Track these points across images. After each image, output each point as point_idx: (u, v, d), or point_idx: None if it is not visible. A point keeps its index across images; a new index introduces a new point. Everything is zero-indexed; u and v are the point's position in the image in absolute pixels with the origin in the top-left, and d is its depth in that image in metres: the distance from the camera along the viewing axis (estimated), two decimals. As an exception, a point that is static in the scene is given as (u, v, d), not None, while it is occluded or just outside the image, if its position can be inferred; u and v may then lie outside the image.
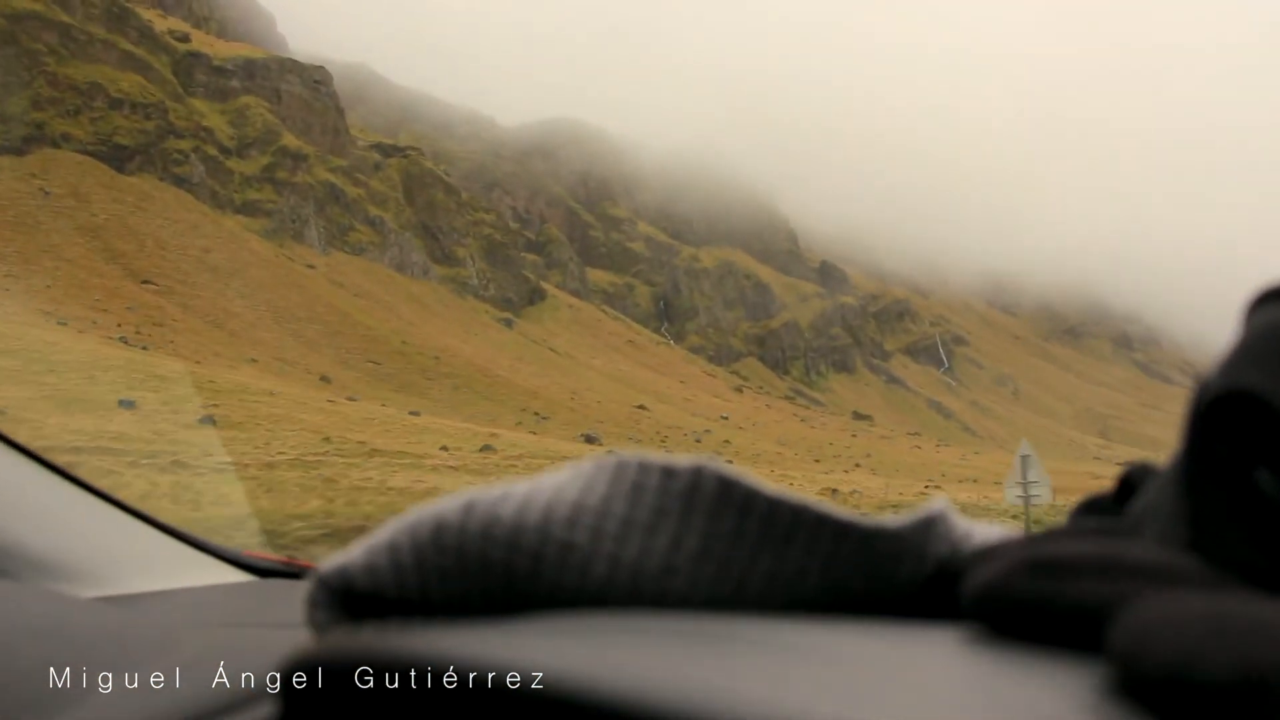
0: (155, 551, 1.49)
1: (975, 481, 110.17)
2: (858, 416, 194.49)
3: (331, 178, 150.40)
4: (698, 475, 0.69)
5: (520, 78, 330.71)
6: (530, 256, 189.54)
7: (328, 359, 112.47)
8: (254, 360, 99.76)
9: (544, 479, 0.71)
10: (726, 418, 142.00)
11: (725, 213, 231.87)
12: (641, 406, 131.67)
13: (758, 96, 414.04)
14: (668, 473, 0.69)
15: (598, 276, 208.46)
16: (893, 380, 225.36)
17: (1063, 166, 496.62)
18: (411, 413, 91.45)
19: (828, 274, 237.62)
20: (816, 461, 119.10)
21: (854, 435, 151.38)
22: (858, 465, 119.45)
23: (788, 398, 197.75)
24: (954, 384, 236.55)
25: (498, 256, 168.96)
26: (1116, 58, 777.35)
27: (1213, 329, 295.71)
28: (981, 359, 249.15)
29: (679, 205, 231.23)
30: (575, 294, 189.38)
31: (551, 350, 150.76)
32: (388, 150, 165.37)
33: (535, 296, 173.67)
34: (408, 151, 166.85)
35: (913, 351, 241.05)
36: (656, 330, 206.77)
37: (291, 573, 1.68)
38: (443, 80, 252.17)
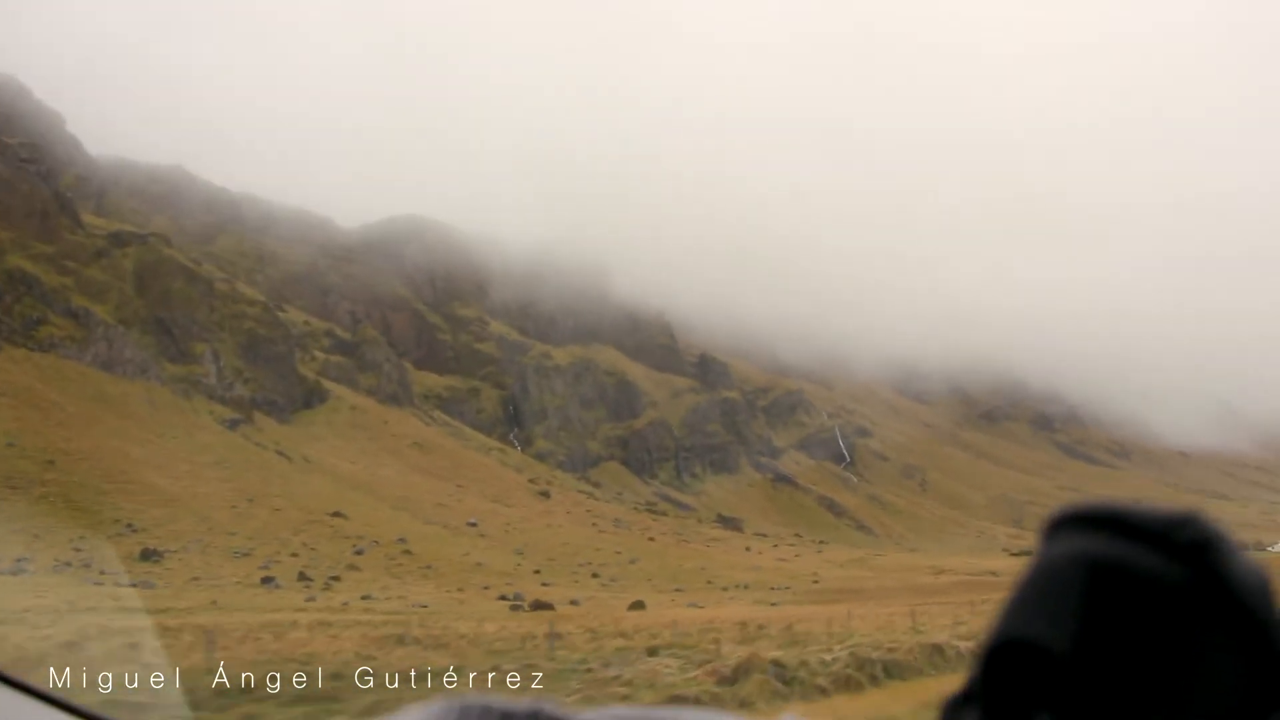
0: None
1: (746, 587, 77.05)
2: (722, 520, 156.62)
3: (25, 264, 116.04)
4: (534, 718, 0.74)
5: (362, 179, 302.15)
6: (334, 358, 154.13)
7: None
8: None
9: None
10: (474, 524, 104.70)
11: (592, 309, 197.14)
12: (337, 514, 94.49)
13: (627, 184, 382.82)
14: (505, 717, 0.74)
15: (435, 381, 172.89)
16: (781, 478, 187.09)
17: (972, 241, 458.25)
18: None
19: (707, 368, 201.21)
20: (536, 573, 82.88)
21: (651, 539, 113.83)
22: (595, 575, 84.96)
23: (648, 504, 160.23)
24: (855, 479, 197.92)
25: (261, 353, 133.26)
26: (1039, 107, 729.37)
27: (1139, 405, 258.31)
28: (887, 451, 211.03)
29: (541, 304, 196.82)
30: (393, 399, 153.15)
31: (280, 454, 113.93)
32: (126, 238, 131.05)
33: (314, 398, 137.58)
34: (149, 238, 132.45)
35: (808, 446, 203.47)
36: (503, 436, 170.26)
37: None
38: (274, 183, 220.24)
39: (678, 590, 77.08)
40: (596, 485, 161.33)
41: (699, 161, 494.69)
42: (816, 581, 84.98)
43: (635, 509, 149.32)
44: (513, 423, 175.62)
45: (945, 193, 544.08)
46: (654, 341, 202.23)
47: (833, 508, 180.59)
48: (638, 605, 53.01)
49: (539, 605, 51.27)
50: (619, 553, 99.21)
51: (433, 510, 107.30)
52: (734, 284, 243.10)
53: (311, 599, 54.22)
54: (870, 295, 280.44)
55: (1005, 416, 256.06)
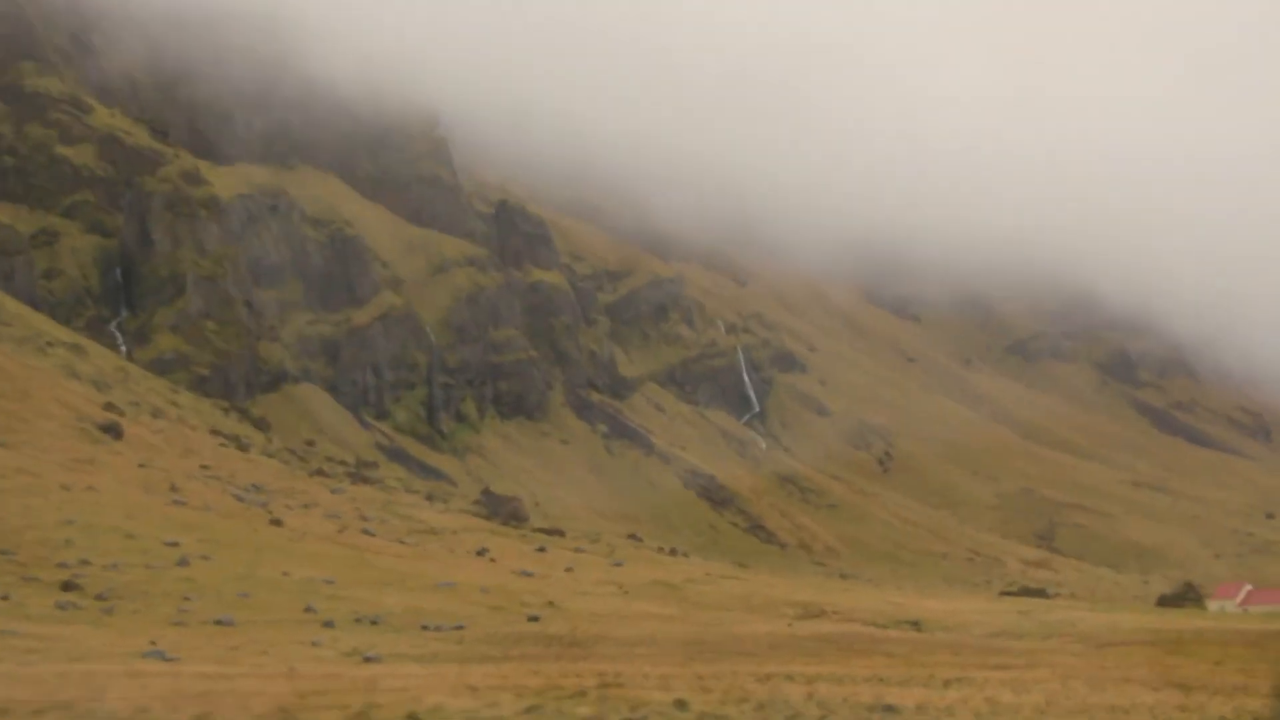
0: None
1: (373, 623, 66.80)
2: (490, 500, 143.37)
3: None
4: None
5: None
6: None
7: None
8: None
9: None
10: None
11: (298, 102, 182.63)
12: None
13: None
14: None
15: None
16: (622, 432, 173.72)
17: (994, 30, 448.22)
18: None
19: (510, 227, 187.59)
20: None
21: (276, 523, 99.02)
22: (71, 586, 68.21)
23: (355, 466, 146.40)
24: (763, 445, 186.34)
25: None
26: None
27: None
28: (828, 398, 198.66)
29: (198, 84, 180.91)
30: None
31: None
32: None
33: None
34: None
35: (684, 379, 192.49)
36: (95, 323, 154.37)
37: None
38: None
39: (217, 623, 60.75)
40: (257, 425, 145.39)
41: None
42: (536, 619, 68.99)
43: (316, 472, 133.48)
44: (117, 300, 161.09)
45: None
46: (413, 171, 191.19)
47: (712, 494, 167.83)
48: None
49: None
50: (175, 545, 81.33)
51: None
52: (574, 85, 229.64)
53: None
54: (821, 121, 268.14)
55: (1052, 352, 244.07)
